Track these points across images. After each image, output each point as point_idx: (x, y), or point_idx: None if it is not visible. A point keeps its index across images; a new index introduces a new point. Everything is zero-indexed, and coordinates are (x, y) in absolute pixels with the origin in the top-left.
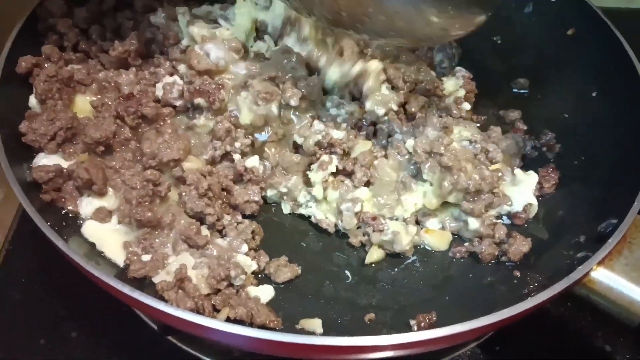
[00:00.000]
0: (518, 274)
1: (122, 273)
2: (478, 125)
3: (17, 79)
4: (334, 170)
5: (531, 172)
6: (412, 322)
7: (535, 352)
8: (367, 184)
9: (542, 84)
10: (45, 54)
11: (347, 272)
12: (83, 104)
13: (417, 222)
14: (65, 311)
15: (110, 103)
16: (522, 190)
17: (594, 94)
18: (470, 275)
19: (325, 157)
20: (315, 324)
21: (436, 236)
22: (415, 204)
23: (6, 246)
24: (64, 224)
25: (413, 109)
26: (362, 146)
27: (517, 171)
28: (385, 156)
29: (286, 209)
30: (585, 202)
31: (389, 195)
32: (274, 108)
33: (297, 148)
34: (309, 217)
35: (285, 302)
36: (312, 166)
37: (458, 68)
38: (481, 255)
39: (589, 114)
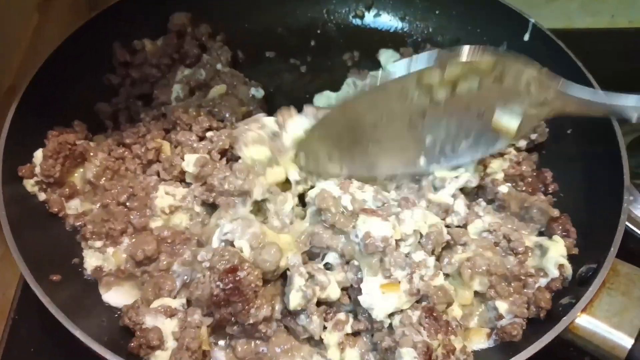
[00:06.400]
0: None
1: None
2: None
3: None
4: (350, 331)
5: (556, 237)
6: None
7: None
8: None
9: None
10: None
11: None
12: None
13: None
14: None
15: None
16: (552, 257)
17: (568, 132)
18: None
19: (341, 315)
20: None
21: (474, 333)
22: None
23: (12, 315)
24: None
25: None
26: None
27: (541, 240)
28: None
29: None
30: None
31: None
32: None
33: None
34: None
35: None
36: (326, 324)
37: (509, 150)
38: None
39: (564, 151)
